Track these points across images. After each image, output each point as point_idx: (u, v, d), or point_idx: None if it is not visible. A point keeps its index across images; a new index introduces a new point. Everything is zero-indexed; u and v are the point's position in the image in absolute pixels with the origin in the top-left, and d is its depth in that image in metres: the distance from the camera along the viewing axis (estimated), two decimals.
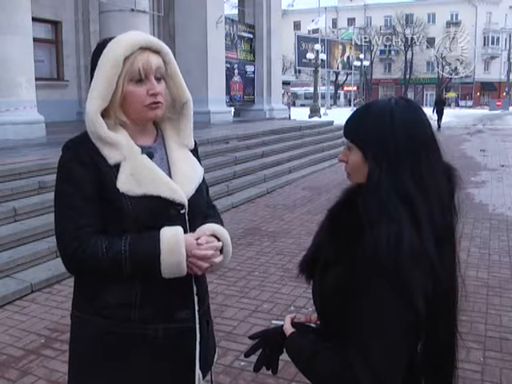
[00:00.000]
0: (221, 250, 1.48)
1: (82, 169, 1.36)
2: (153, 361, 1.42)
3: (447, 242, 1.13)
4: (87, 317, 1.44)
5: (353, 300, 1.07)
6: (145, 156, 1.41)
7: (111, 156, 1.37)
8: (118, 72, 1.35)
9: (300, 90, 54.85)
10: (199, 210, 1.51)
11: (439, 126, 22.09)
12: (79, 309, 1.48)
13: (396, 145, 1.10)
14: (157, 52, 1.41)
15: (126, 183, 1.36)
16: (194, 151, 1.59)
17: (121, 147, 1.38)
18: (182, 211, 1.43)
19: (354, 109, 1.27)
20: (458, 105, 54.18)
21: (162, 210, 1.39)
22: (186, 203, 1.43)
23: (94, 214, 1.37)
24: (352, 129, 1.19)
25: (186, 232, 1.43)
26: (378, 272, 1.03)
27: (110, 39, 1.41)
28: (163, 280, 1.37)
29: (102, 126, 1.36)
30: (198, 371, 1.49)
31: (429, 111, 21.44)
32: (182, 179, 1.46)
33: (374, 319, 1.04)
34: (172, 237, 1.36)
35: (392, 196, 1.07)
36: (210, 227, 1.49)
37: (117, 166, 1.38)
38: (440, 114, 22.77)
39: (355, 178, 1.19)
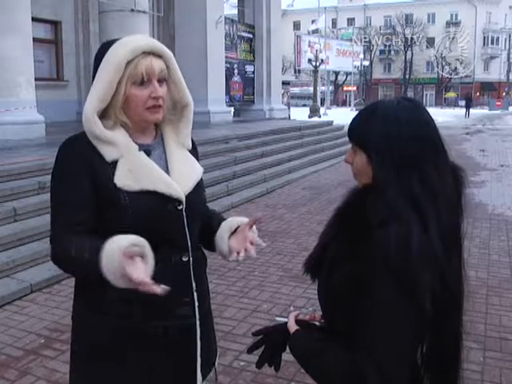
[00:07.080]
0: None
1: (78, 166, 1.37)
2: (153, 358, 1.42)
3: (454, 242, 1.13)
4: (87, 314, 1.44)
5: (360, 299, 1.07)
6: (142, 153, 1.42)
7: (108, 153, 1.38)
8: (119, 75, 1.37)
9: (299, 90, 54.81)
10: (197, 208, 1.51)
11: (467, 115, 35.04)
12: (79, 307, 1.48)
13: (402, 146, 1.09)
14: (159, 56, 1.41)
15: (123, 179, 1.37)
16: (194, 149, 1.60)
17: (118, 145, 1.39)
18: (179, 207, 1.43)
19: (354, 109, 1.26)
20: (456, 105, 54.09)
21: (159, 206, 1.40)
22: (184, 199, 1.44)
23: (88, 211, 1.37)
24: (356, 131, 1.18)
25: (183, 228, 1.44)
26: (387, 272, 1.03)
27: (114, 41, 1.42)
28: (161, 276, 1.35)
29: (97, 125, 1.37)
30: (199, 369, 1.48)
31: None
32: (180, 176, 1.46)
33: (382, 318, 1.04)
34: (108, 244, 1.26)
35: (399, 197, 1.07)
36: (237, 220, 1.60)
37: (114, 163, 1.39)
38: (468, 107, 36.36)
39: (361, 179, 1.19)
